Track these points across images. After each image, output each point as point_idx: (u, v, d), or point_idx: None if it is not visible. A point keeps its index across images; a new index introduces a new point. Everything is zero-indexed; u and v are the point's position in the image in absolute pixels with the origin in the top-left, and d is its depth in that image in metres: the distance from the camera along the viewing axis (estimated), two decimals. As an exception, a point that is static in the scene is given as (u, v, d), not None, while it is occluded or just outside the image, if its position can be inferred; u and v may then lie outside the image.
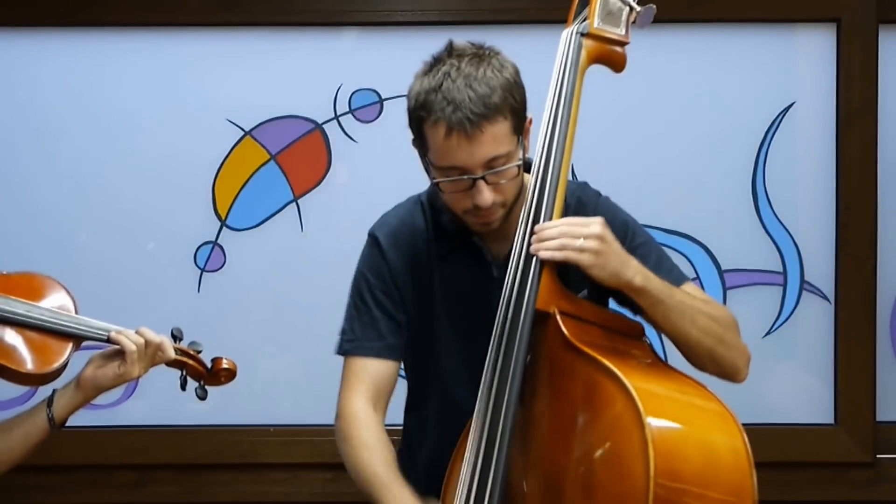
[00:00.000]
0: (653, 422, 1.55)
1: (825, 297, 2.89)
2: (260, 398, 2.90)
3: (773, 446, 2.77)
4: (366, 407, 1.90)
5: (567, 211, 1.85)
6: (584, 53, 1.85)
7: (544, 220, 1.77)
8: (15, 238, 2.86)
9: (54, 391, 1.96)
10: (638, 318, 1.86)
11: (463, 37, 1.85)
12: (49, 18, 2.85)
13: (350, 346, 1.96)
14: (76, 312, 1.97)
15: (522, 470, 1.74)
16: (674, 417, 1.61)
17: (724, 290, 2.89)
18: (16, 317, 1.90)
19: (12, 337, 1.90)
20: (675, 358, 1.85)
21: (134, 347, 1.91)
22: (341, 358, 1.98)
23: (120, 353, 1.93)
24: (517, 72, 1.82)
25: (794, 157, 2.89)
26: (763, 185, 2.88)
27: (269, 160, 2.89)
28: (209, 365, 2.06)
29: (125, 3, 2.84)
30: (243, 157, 2.89)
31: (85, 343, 1.95)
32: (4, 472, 1.96)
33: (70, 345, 1.92)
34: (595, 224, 1.72)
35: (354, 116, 2.89)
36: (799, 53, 2.88)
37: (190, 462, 2.88)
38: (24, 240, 2.86)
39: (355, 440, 1.88)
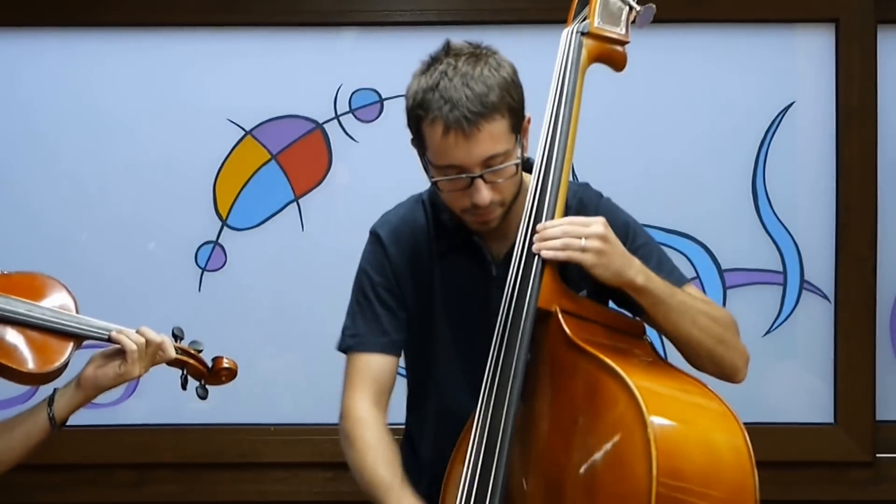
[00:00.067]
0: (655, 421, 1.55)
1: (825, 297, 2.89)
2: (260, 397, 2.91)
3: (772, 445, 2.77)
4: (369, 407, 1.90)
5: (568, 212, 1.85)
6: (584, 52, 1.85)
7: (546, 220, 1.77)
8: (16, 238, 2.86)
9: (55, 390, 1.96)
10: (637, 318, 1.87)
11: (462, 37, 1.85)
12: (48, 18, 2.85)
13: (353, 341, 1.95)
14: (77, 312, 1.96)
15: (523, 469, 1.74)
16: (676, 416, 1.61)
17: (724, 289, 2.90)
18: (17, 316, 1.90)
19: (13, 336, 1.89)
20: (675, 357, 1.86)
21: (135, 347, 1.91)
22: (342, 357, 1.97)
23: (121, 353, 1.92)
24: (514, 71, 1.82)
25: (794, 157, 2.89)
26: (763, 185, 2.88)
27: (269, 160, 2.89)
28: (210, 364, 2.06)
29: (125, 3, 2.84)
30: (244, 157, 2.89)
31: (86, 342, 1.95)
32: (5, 472, 1.96)
33: (71, 344, 1.92)
34: (597, 224, 1.73)
35: (355, 116, 2.89)
36: (798, 53, 2.89)
37: (190, 461, 2.88)
38: (25, 240, 2.87)
39: (359, 441, 1.88)
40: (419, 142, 1.83)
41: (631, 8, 1.89)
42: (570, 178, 1.84)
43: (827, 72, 2.86)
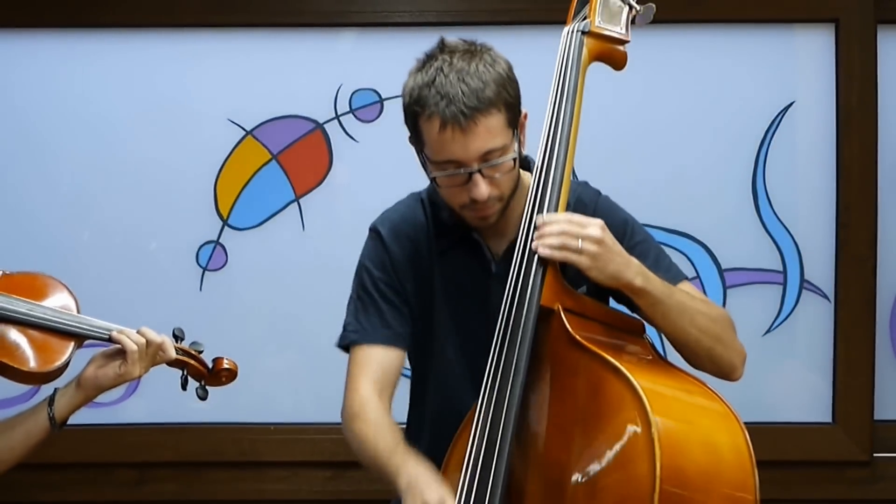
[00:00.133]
0: (659, 421, 1.55)
1: (825, 297, 2.90)
2: (260, 397, 2.91)
3: (771, 445, 2.77)
4: (372, 393, 1.88)
5: (567, 210, 1.85)
6: (585, 51, 1.86)
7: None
8: (17, 238, 2.86)
9: (55, 390, 1.96)
10: (636, 316, 1.87)
11: (461, 37, 1.85)
12: (47, 19, 2.85)
13: (356, 335, 1.94)
14: (78, 312, 1.97)
15: (523, 468, 1.74)
16: (679, 417, 1.61)
17: (725, 289, 2.90)
18: (18, 316, 1.90)
19: (15, 335, 1.90)
20: (674, 357, 1.86)
21: (135, 347, 1.91)
22: (343, 357, 1.96)
23: (121, 353, 1.93)
24: (510, 66, 1.83)
25: (794, 156, 2.89)
26: (763, 185, 2.88)
27: (270, 160, 2.89)
28: (210, 365, 2.06)
29: (125, 4, 2.85)
30: (245, 157, 2.89)
31: (87, 342, 1.95)
32: (5, 471, 1.96)
33: (72, 344, 1.93)
34: (594, 226, 1.72)
35: (355, 116, 2.89)
36: (798, 53, 2.89)
37: (190, 460, 2.89)
38: (27, 240, 2.87)
39: (361, 418, 1.85)
40: (416, 138, 1.84)
41: (631, 7, 1.89)
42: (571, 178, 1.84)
43: (827, 72, 2.86)
